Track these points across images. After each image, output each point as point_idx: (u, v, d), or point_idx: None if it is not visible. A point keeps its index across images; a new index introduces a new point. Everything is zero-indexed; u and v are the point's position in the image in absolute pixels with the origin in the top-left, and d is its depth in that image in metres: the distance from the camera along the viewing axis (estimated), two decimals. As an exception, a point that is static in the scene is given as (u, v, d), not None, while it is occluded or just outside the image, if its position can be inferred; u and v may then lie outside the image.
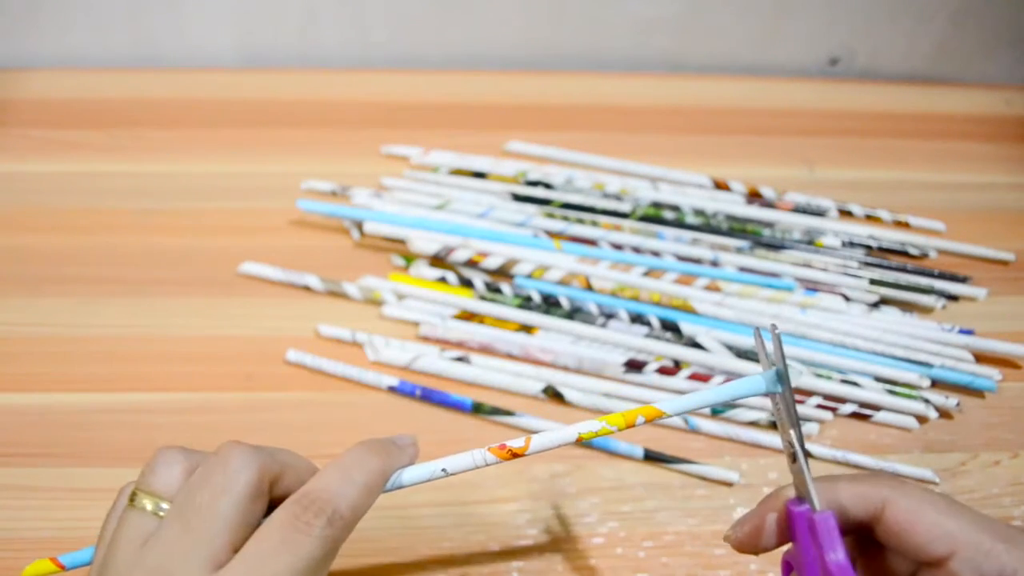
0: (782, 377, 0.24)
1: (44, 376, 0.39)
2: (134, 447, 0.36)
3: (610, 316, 0.42)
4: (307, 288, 0.43)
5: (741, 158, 0.53)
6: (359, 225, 0.46)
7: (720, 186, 0.51)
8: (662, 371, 0.40)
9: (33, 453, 0.36)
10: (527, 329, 0.42)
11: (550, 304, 0.43)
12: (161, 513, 0.23)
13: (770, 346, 0.24)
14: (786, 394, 0.24)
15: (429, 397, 0.39)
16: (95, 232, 0.46)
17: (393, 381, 0.39)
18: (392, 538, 0.34)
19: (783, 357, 0.24)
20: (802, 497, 0.24)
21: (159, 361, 0.40)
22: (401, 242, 0.45)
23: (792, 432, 0.23)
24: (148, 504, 0.23)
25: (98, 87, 0.55)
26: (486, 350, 0.41)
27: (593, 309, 0.43)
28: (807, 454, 0.23)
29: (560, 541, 0.34)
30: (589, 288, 0.44)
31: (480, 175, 0.50)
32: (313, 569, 0.22)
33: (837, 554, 0.22)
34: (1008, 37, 0.62)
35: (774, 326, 0.24)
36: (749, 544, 0.25)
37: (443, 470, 0.26)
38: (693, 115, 0.57)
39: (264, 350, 0.40)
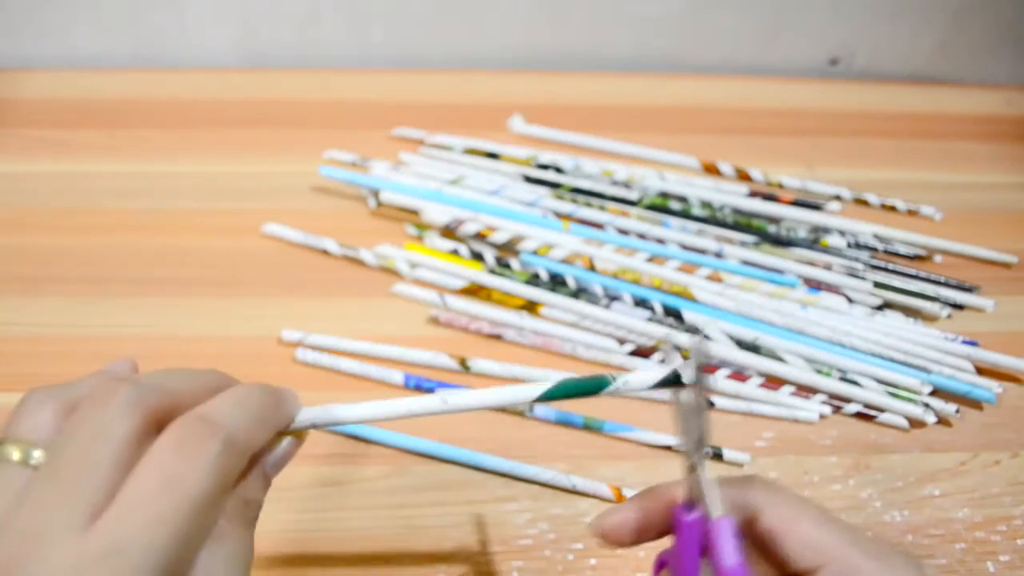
0: (695, 378, 0.23)
1: (44, 376, 0.38)
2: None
3: (614, 298, 0.43)
4: (325, 252, 0.45)
5: (741, 158, 0.53)
6: (376, 194, 0.47)
7: (709, 169, 0.51)
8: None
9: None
10: (532, 307, 0.43)
11: (557, 282, 0.43)
12: (32, 462, 0.19)
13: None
14: (698, 399, 0.23)
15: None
16: (95, 232, 0.46)
17: (399, 377, 0.39)
18: (392, 538, 0.34)
19: (701, 367, 0.23)
20: (691, 502, 0.23)
21: (159, 361, 0.39)
22: (415, 213, 0.46)
23: (695, 439, 0.23)
24: (15, 453, 0.19)
25: (98, 87, 0.55)
26: (494, 336, 0.42)
27: (598, 290, 0.43)
28: (704, 459, 0.23)
29: (560, 541, 0.34)
30: (592, 269, 0.44)
31: (493, 155, 0.51)
32: (203, 508, 0.18)
33: (735, 558, 0.21)
34: (1008, 37, 0.62)
35: (702, 335, 0.23)
36: (615, 537, 0.24)
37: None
38: (693, 115, 0.57)
39: (264, 350, 0.40)
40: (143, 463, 0.18)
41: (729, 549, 0.22)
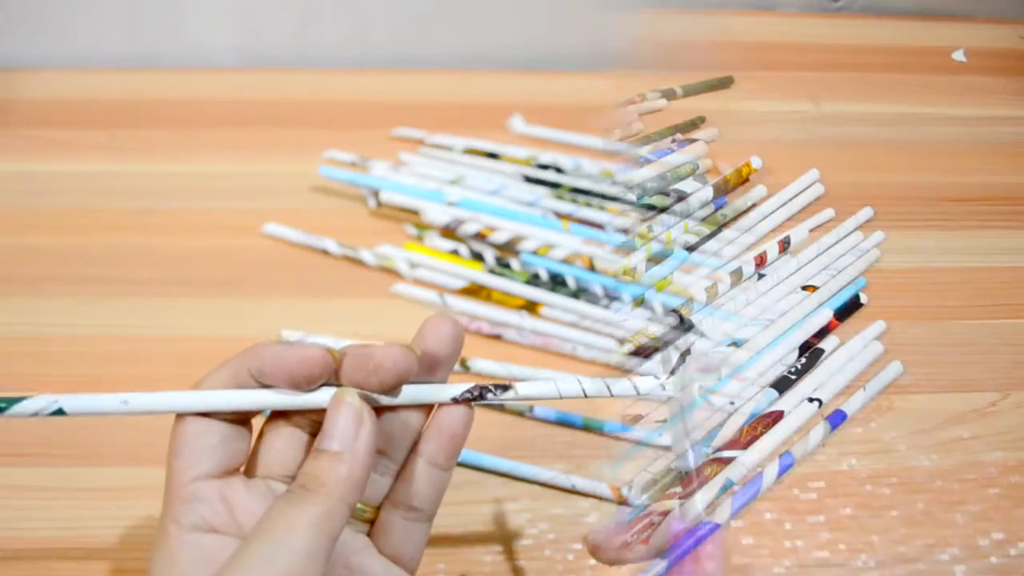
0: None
1: (44, 376, 0.39)
2: (134, 447, 0.36)
3: (614, 298, 0.43)
4: (325, 252, 0.44)
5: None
6: (376, 194, 0.47)
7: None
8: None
9: (33, 453, 0.36)
10: (532, 307, 0.43)
11: (557, 282, 0.44)
12: None
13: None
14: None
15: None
16: (95, 232, 0.46)
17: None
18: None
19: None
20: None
21: (159, 361, 0.40)
22: (415, 213, 0.47)
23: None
24: None
25: (98, 87, 0.55)
26: (494, 336, 0.42)
27: (598, 290, 0.43)
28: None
29: (560, 541, 0.34)
30: (592, 269, 0.44)
31: (493, 155, 0.51)
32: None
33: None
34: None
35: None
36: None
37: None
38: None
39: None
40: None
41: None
